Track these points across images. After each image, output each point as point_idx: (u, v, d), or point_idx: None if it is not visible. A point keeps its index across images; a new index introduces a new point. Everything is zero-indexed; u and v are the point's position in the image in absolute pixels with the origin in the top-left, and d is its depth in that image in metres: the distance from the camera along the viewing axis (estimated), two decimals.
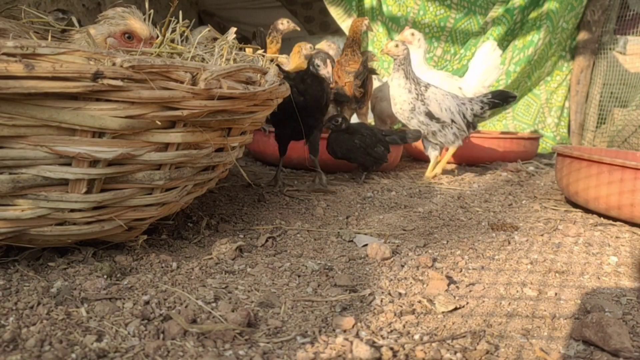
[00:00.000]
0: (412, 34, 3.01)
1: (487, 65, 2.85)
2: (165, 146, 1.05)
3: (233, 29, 1.45)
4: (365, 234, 1.51)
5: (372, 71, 2.84)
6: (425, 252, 1.38)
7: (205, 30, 1.45)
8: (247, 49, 1.55)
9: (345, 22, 4.17)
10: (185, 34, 1.46)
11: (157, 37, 1.22)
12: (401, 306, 1.01)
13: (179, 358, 0.77)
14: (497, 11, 4.09)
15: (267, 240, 1.39)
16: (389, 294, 1.08)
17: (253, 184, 2.14)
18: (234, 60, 1.36)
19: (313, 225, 1.59)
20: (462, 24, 4.25)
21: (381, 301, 1.03)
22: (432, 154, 2.51)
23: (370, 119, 3.46)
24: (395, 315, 0.97)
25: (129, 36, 1.19)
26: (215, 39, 1.45)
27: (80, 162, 0.95)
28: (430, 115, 2.32)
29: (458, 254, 1.37)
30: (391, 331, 0.91)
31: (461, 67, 4.12)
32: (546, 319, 1.00)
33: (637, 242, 1.58)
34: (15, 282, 0.98)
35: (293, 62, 2.91)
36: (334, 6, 4.15)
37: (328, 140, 2.35)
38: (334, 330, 0.90)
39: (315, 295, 1.05)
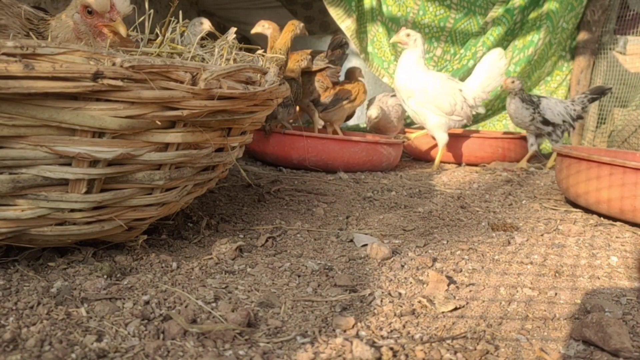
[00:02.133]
0: (408, 35, 2.98)
1: (492, 72, 2.95)
2: (165, 146, 1.05)
3: (233, 29, 1.45)
4: (365, 234, 1.51)
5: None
6: (425, 252, 1.38)
7: (204, 32, 1.44)
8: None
9: (344, 23, 4.17)
10: (185, 33, 1.46)
11: (114, 9, 1.17)
12: (401, 306, 1.01)
13: (179, 358, 0.77)
14: (497, 11, 4.08)
15: (267, 240, 1.39)
16: (389, 294, 1.08)
17: (253, 184, 2.14)
18: (234, 60, 1.36)
19: (313, 225, 1.59)
20: (462, 24, 4.25)
21: (381, 301, 1.03)
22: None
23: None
24: (395, 315, 0.97)
25: (89, 10, 1.16)
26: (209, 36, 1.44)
27: (80, 162, 0.95)
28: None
29: (458, 254, 1.37)
30: (391, 331, 0.91)
31: (461, 67, 4.12)
32: (546, 319, 1.00)
33: (637, 242, 1.58)
34: (15, 282, 0.98)
35: (282, 39, 2.83)
36: (334, 7, 4.15)
37: None
38: (334, 330, 0.90)
39: (315, 295, 1.05)
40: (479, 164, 3.24)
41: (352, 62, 4.64)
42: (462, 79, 4.18)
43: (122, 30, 1.18)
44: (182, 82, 0.98)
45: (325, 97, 2.99)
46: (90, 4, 1.15)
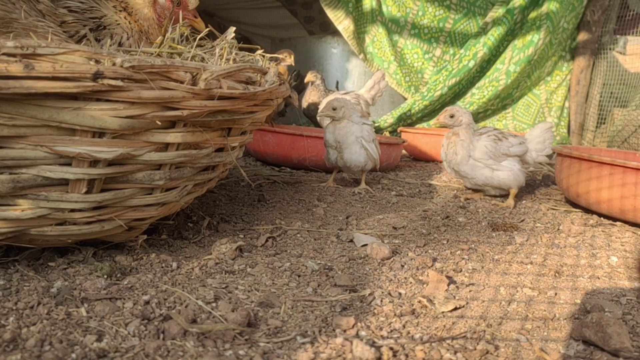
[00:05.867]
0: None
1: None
2: (166, 146, 1.05)
3: (232, 29, 1.45)
4: (365, 234, 1.51)
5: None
6: (425, 252, 1.38)
7: (206, 30, 1.44)
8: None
9: (342, 24, 4.18)
10: (185, 33, 1.46)
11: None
12: (401, 306, 1.01)
13: (179, 358, 0.77)
14: (497, 11, 4.09)
15: (267, 240, 1.39)
16: (389, 294, 1.08)
17: (253, 184, 2.14)
18: (234, 60, 1.36)
19: (313, 225, 1.59)
20: (461, 24, 4.26)
21: (381, 301, 1.03)
22: None
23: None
24: (395, 315, 0.97)
25: (178, 2, 1.21)
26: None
27: (81, 162, 0.95)
28: None
29: (458, 253, 1.37)
30: (391, 331, 0.91)
31: (462, 67, 4.12)
32: (546, 319, 1.00)
33: (637, 242, 1.58)
34: (15, 282, 0.98)
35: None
36: (331, 8, 4.15)
37: None
38: (334, 330, 0.90)
39: (315, 295, 1.05)
40: None
41: (352, 62, 4.64)
42: (463, 79, 4.19)
43: (203, 27, 1.24)
44: (182, 82, 0.98)
45: None
46: None
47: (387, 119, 4.29)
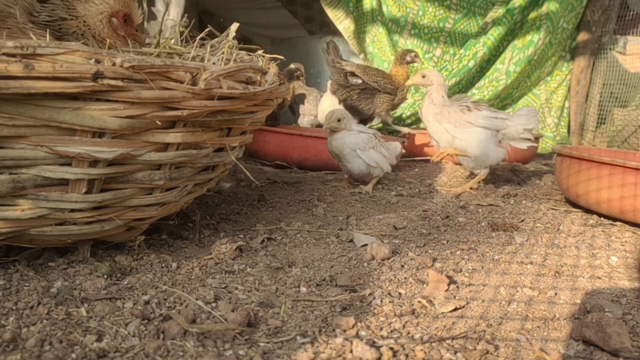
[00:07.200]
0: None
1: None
2: (165, 146, 1.05)
3: (235, 25, 1.44)
4: (365, 234, 1.51)
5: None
6: (425, 252, 1.38)
7: (206, 30, 1.44)
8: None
9: (342, 24, 4.18)
10: (185, 33, 1.46)
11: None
12: (401, 306, 1.01)
13: (179, 358, 0.77)
14: (497, 11, 4.09)
15: (267, 240, 1.39)
16: (389, 294, 1.08)
17: (258, 182, 2.14)
18: (234, 60, 1.36)
19: (313, 226, 1.59)
20: (461, 24, 4.26)
21: (381, 301, 1.03)
22: None
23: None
24: (395, 315, 0.97)
25: (126, 19, 1.25)
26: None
27: (80, 162, 0.95)
28: None
29: (458, 254, 1.37)
30: (391, 331, 0.91)
31: (462, 67, 4.12)
32: (546, 319, 1.00)
33: (637, 242, 1.58)
34: (15, 282, 0.98)
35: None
36: (332, 8, 4.15)
37: None
38: (334, 330, 0.90)
39: (315, 295, 1.05)
40: None
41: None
42: (463, 79, 4.19)
43: (142, 41, 1.33)
44: (182, 82, 0.98)
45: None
46: (133, 16, 1.27)
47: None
